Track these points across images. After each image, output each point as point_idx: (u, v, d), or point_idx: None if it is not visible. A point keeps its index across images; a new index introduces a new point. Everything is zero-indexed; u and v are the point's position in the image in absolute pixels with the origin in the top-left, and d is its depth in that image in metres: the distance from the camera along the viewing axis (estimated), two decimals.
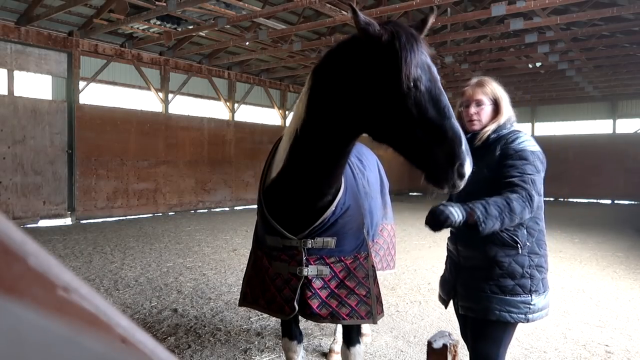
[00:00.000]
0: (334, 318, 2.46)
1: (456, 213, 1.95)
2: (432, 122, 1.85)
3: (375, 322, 2.58)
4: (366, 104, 1.96)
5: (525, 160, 2.22)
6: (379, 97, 1.91)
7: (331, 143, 2.14)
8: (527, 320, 2.29)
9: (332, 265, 2.45)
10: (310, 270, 2.40)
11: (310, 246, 2.38)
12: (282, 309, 2.49)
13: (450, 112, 1.88)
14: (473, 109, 2.37)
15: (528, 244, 2.28)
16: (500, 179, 2.22)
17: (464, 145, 1.83)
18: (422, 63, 1.90)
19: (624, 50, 13.12)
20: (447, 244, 2.60)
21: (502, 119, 2.35)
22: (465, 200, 2.11)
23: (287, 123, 18.68)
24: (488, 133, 2.34)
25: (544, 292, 2.34)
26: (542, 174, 2.27)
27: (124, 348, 0.36)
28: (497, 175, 2.25)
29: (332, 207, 2.36)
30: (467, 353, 2.48)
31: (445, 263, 2.64)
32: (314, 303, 2.43)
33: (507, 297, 2.26)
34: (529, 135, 2.37)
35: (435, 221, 1.95)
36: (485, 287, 2.29)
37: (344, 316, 2.45)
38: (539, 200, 2.18)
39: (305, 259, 2.40)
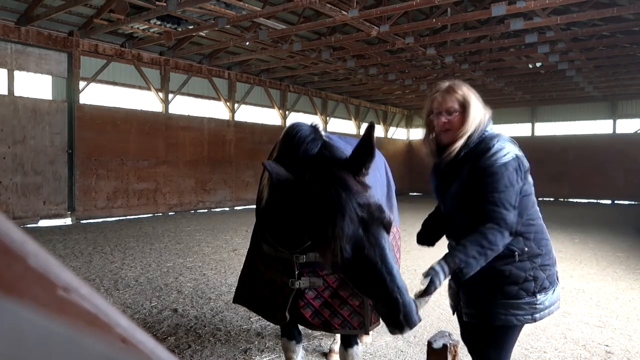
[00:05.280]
0: (326, 327, 2.49)
1: (440, 276, 1.98)
2: (367, 272, 1.78)
3: (367, 333, 2.60)
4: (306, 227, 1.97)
5: (495, 176, 2.12)
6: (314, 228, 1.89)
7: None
8: (535, 320, 2.25)
9: (325, 276, 2.45)
10: (302, 283, 2.40)
11: (303, 261, 2.37)
12: (274, 315, 2.52)
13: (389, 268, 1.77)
14: (444, 118, 2.26)
15: (526, 248, 2.22)
16: (474, 199, 2.18)
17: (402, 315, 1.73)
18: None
19: (624, 50, 13.13)
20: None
21: (470, 128, 2.22)
22: (445, 216, 2.20)
23: (287, 124, 18.67)
24: (457, 150, 2.24)
25: (551, 288, 2.29)
26: (521, 181, 2.18)
27: (124, 348, 0.36)
28: (470, 193, 2.20)
29: None
30: (467, 353, 2.48)
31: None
32: (307, 312, 2.46)
33: (512, 301, 2.21)
34: (503, 140, 2.23)
35: (427, 290, 1.98)
36: (488, 294, 2.25)
37: (336, 326, 2.47)
38: (514, 216, 2.12)
39: (298, 271, 2.40)
